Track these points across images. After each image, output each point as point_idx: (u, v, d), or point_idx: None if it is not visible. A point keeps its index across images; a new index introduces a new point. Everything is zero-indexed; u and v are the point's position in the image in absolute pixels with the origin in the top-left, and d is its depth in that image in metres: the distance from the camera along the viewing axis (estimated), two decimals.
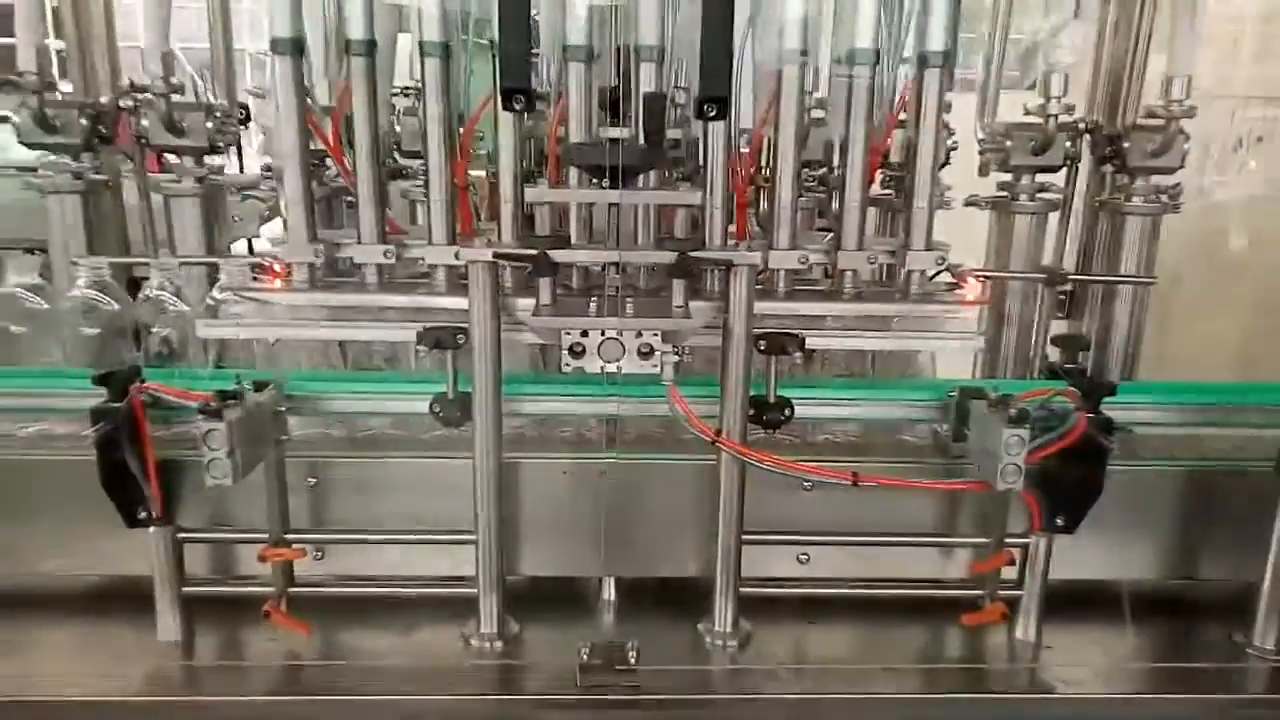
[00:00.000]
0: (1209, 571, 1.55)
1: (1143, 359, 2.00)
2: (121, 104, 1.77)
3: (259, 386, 1.37)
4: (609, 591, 1.54)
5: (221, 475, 1.24)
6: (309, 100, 1.48)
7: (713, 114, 1.14)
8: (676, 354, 1.31)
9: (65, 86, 1.88)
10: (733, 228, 1.44)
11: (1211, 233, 3.36)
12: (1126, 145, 1.85)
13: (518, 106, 1.13)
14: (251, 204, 2.31)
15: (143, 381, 1.32)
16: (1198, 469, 1.53)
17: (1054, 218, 1.96)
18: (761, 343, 1.38)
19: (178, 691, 1.36)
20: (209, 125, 1.78)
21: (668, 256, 1.30)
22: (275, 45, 1.34)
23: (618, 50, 1.63)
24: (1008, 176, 1.92)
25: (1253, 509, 1.44)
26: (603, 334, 1.28)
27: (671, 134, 1.56)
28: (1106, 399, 1.40)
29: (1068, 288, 2.00)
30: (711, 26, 1.08)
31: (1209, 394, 1.55)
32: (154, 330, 1.53)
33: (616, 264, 1.31)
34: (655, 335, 1.28)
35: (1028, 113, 1.82)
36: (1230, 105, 4.05)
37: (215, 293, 1.50)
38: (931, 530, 1.52)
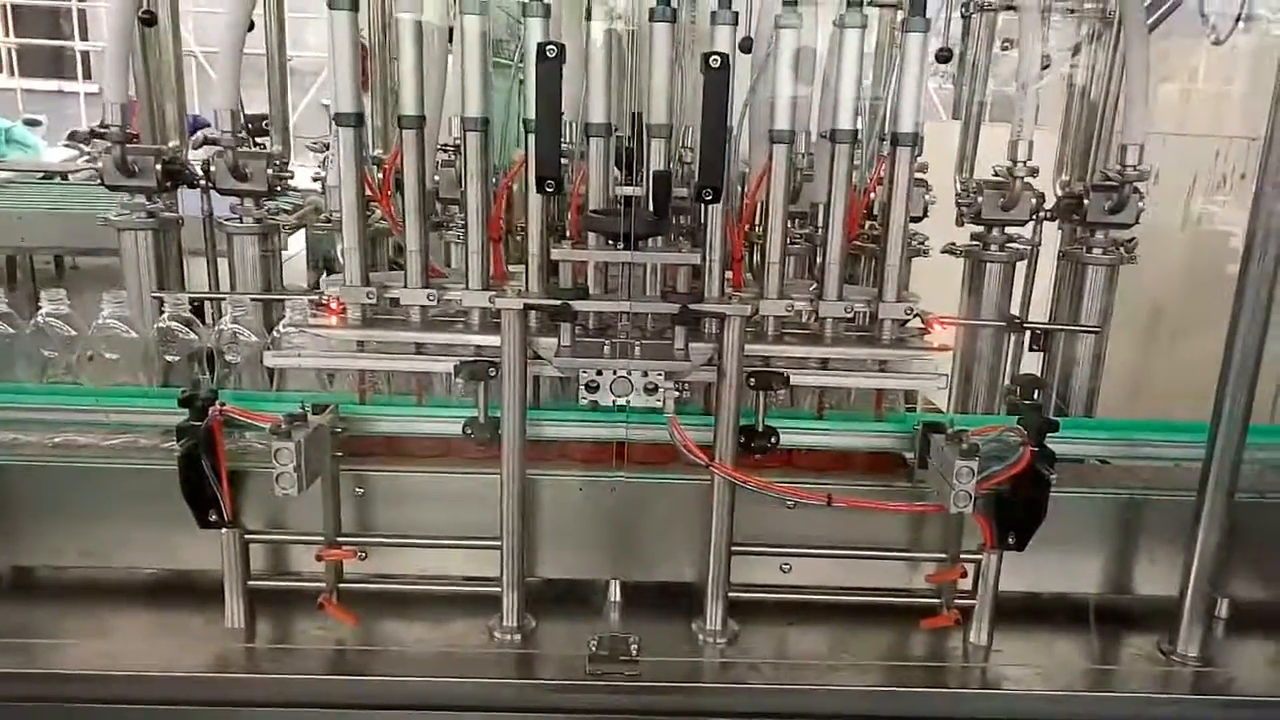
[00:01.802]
0: (1141, 587, 1.77)
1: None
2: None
3: (318, 409, 1.59)
4: (615, 593, 1.76)
5: (289, 486, 1.46)
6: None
7: (709, 199, 1.36)
8: (677, 390, 1.53)
9: None
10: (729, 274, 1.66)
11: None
12: (1087, 202, 2.07)
13: (549, 190, 1.36)
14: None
15: (221, 404, 1.54)
16: (1132, 496, 1.75)
17: (1022, 266, 2.18)
18: (751, 379, 1.61)
19: (242, 670, 1.57)
20: (269, 172, 2.01)
21: (672, 308, 1.52)
22: (339, 119, 1.56)
23: (633, 116, 1.84)
24: (980, 228, 2.14)
25: (1178, 532, 1.64)
26: (614, 373, 1.50)
27: (678, 191, 1.78)
28: (1051, 434, 1.61)
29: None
30: (709, 127, 1.30)
31: (1140, 430, 1.77)
32: (227, 358, 1.76)
33: (627, 313, 1.53)
34: (659, 375, 1.50)
35: (996, 174, 2.04)
36: (1215, 144, 4.27)
37: (280, 327, 1.72)
38: (899, 545, 1.73)
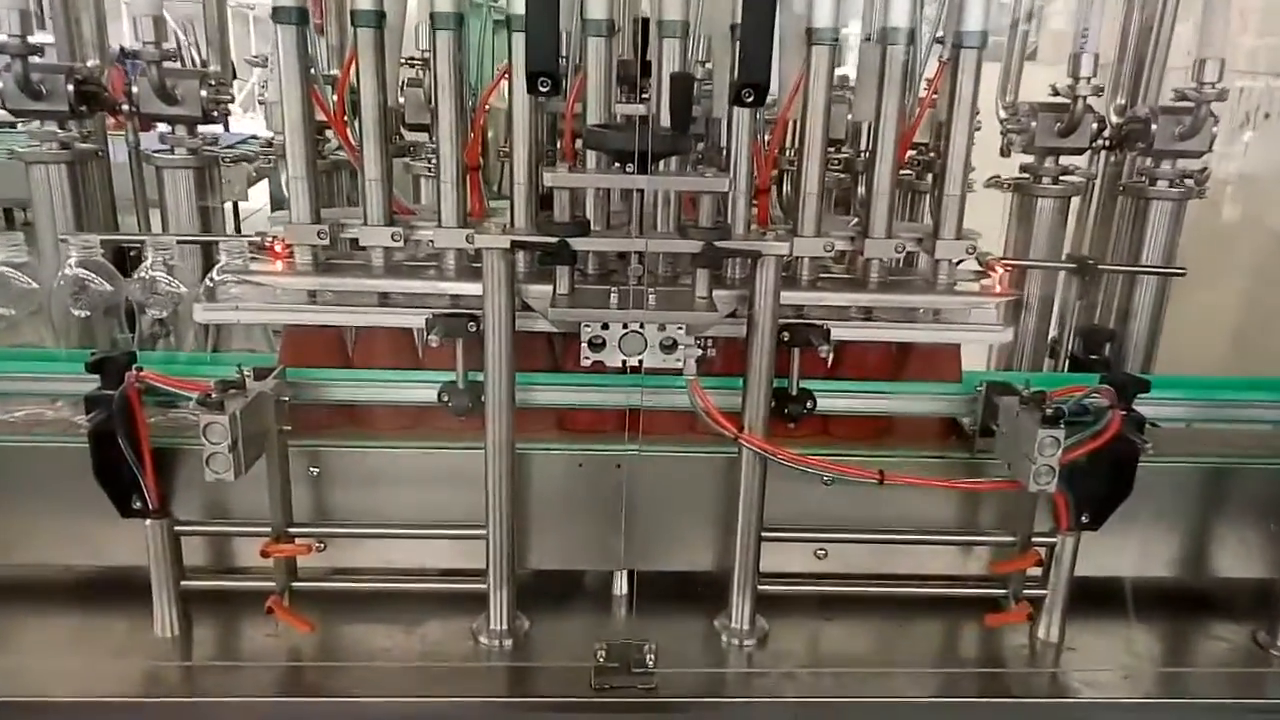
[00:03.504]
0: (1231, 569, 1.52)
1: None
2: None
3: (260, 374, 1.30)
4: (621, 586, 1.49)
5: (223, 470, 1.17)
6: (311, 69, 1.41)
7: (750, 99, 1.07)
8: (700, 347, 1.25)
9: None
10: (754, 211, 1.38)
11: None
12: (1154, 127, 1.79)
13: (544, 90, 1.06)
14: (240, 168, 2.25)
15: (139, 369, 1.25)
16: (1220, 465, 1.49)
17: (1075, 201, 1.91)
18: (786, 334, 1.34)
19: (175, 691, 1.29)
20: (203, 94, 1.70)
21: (694, 246, 1.23)
22: (278, 14, 1.26)
23: (636, 21, 1.56)
24: (1029, 158, 1.87)
25: (1265, 504, 1.41)
26: (624, 327, 1.22)
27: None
28: (1141, 395, 1.36)
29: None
30: (754, 10, 1.01)
31: (1233, 389, 1.51)
32: (149, 311, 1.46)
33: (641, 252, 1.24)
34: (679, 328, 1.22)
35: (1055, 93, 1.77)
36: (1236, 81, 4.00)
37: (214, 274, 1.43)
38: (952, 524, 1.48)
